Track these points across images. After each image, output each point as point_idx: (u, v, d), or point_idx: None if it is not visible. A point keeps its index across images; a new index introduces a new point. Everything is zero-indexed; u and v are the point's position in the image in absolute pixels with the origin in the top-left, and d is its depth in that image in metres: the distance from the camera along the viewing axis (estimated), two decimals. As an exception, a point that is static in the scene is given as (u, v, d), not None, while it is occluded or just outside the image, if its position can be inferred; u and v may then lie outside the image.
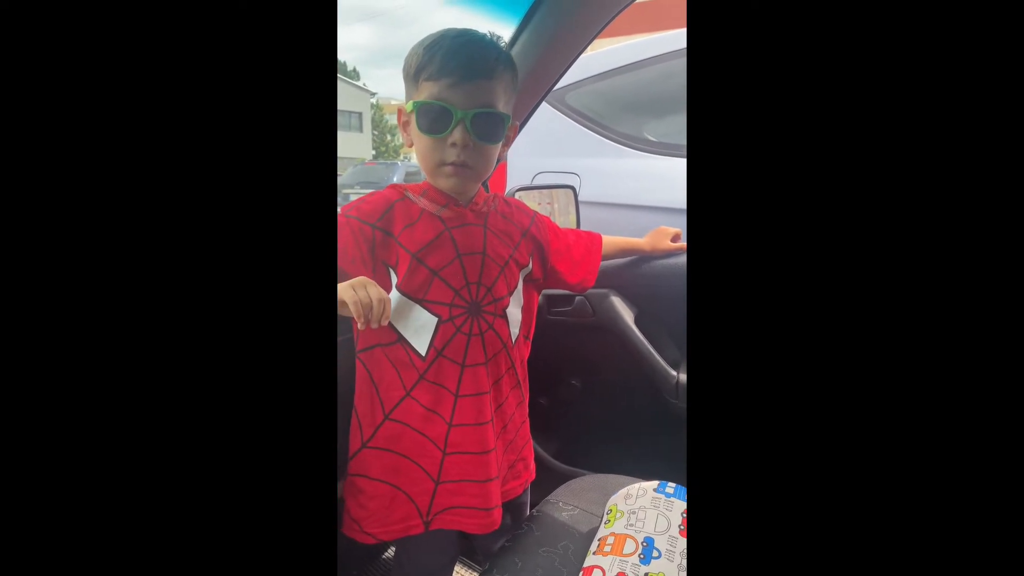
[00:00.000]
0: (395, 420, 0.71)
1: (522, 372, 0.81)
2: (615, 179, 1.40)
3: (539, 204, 1.12)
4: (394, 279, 0.70)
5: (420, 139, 0.68)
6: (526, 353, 0.82)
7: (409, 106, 0.68)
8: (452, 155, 0.67)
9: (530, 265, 0.80)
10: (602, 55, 1.52)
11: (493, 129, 0.69)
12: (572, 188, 1.14)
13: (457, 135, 0.66)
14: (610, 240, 0.95)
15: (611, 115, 1.52)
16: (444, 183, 0.71)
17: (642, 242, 1.01)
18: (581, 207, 1.14)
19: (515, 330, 0.77)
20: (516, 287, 0.77)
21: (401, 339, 0.70)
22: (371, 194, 0.73)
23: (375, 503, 0.72)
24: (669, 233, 1.00)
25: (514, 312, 0.76)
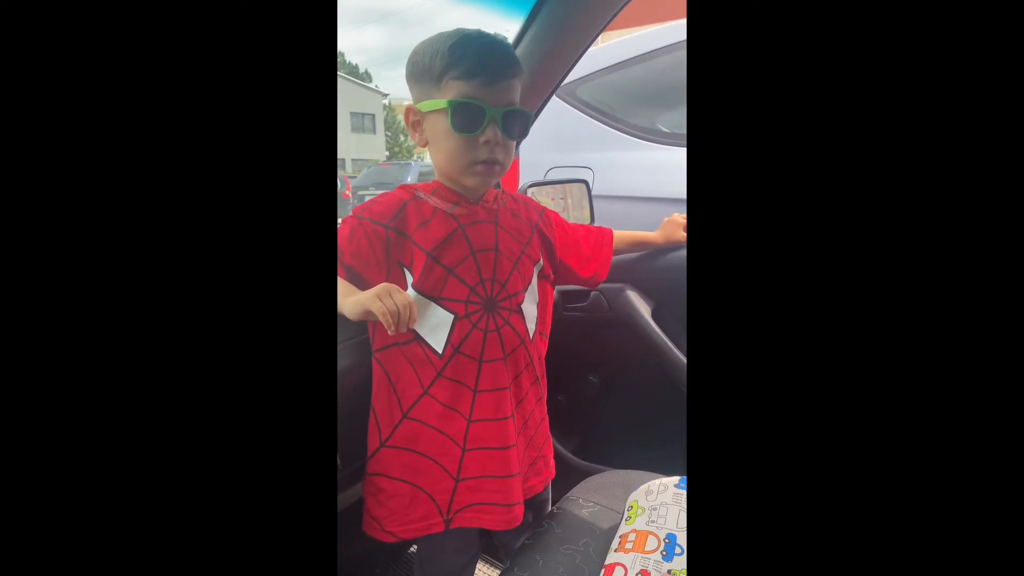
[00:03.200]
0: (413, 419, 0.72)
1: (540, 368, 0.81)
2: (629, 172, 1.38)
3: (552, 200, 1.11)
4: (409, 278, 0.70)
5: (450, 138, 0.68)
6: (543, 349, 0.82)
7: (439, 104, 0.67)
8: (484, 153, 0.68)
9: (541, 260, 0.80)
10: (612, 47, 1.51)
11: (520, 126, 0.70)
12: (585, 183, 1.13)
13: (490, 133, 0.67)
14: (621, 235, 0.95)
15: (623, 107, 1.50)
16: (472, 181, 0.71)
17: (654, 235, 0.99)
18: (595, 201, 1.13)
19: (531, 325, 0.77)
20: (530, 282, 0.77)
21: (418, 337, 0.71)
22: (382, 195, 0.74)
23: (395, 502, 0.73)
24: (680, 223, 0.98)
25: (529, 308, 0.77)
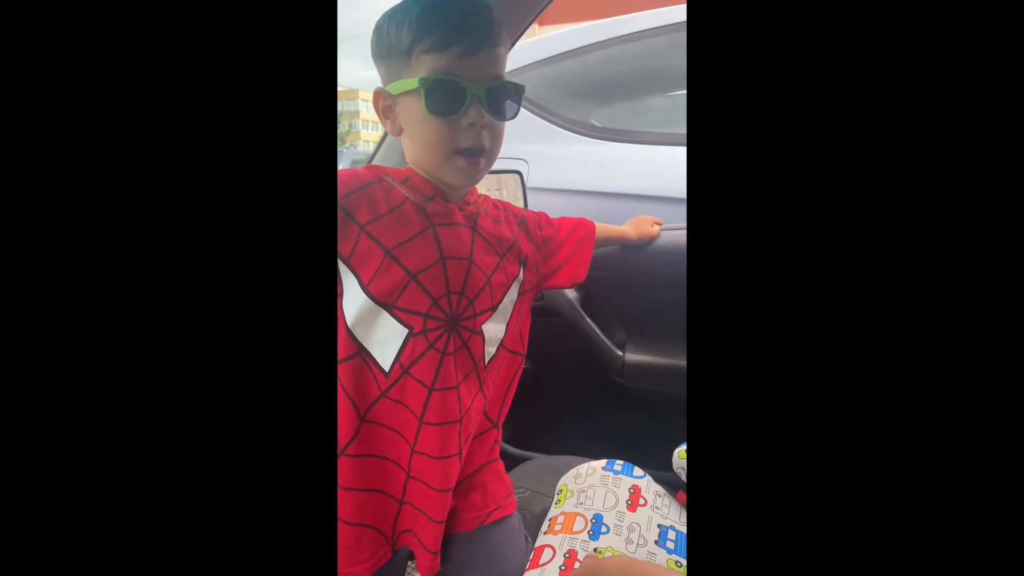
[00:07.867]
0: (352, 455, 0.61)
1: (494, 392, 0.71)
2: (563, 165, 1.41)
3: (488, 190, 1.11)
4: (356, 279, 0.58)
5: (427, 123, 0.57)
6: (512, 368, 0.72)
7: (411, 83, 0.56)
8: (468, 138, 0.57)
9: (521, 274, 0.70)
10: (547, 40, 1.52)
11: (508, 103, 0.60)
12: (519, 173, 1.14)
13: (473, 114, 0.56)
14: (600, 229, 0.88)
15: (558, 101, 1.52)
16: (453, 176, 0.60)
17: (627, 230, 0.96)
18: (529, 193, 1.14)
19: (491, 349, 0.66)
20: (500, 301, 0.66)
21: (362, 351, 0.59)
22: (342, 171, 0.60)
23: (340, 543, 0.63)
24: (650, 220, 1.01)
25: (491, 328, 0.66)
